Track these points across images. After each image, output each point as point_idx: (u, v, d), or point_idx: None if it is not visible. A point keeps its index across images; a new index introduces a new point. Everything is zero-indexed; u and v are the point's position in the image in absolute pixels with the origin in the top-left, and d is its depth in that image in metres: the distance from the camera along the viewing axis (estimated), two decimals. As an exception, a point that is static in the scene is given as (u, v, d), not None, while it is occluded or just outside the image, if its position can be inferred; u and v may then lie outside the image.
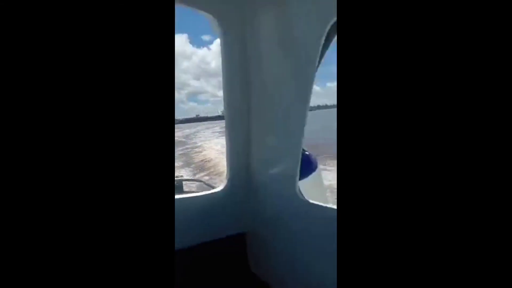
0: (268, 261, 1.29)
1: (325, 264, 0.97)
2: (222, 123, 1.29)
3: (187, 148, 13.40)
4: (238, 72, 1.19)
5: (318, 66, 0.97)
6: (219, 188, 1.30)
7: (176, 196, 1.16)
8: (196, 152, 11.77)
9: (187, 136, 20.76)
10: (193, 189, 3.06)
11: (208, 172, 7.82)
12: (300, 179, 1.42)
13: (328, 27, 0.87)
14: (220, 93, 1.28)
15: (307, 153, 1.49)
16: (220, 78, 1.18)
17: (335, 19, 0.85)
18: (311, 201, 1.06)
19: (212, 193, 1.29)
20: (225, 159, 1.29)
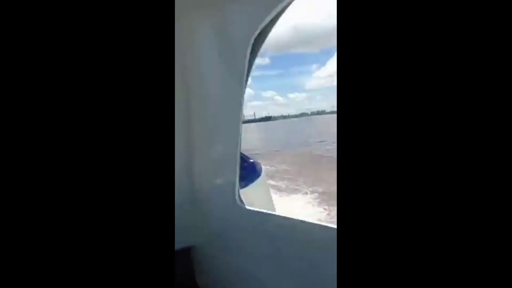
0: (214, 273, 1.26)
1: (268, 270, 0.98)
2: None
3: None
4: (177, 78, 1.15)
5: (248, 75, 0.99)
6: None
7: None
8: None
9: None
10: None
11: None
12: (245, 186, 1.43)
13: (254, 37, 0.89)
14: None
15: (251, 160, 1.51)
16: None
17: (259, 30, 0.88)
18: (250, 208, 1.07)
19: None
20: None
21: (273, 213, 1.03)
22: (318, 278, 0.80)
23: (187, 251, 1.31)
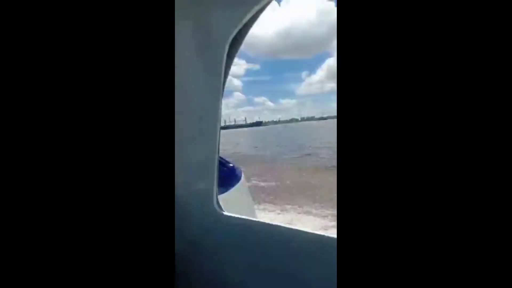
0: (191, 280, 1.23)
1: (248, 278, 0.97)
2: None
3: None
4: None
5: (225, 79, 0.99)
6: None
7: None
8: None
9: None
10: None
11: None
12: (225, 191, 1.42)
13: (229, 40, 0.89)
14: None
15: (231, 165, 1.51)
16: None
17: (234, 33, 0.88)
18: (229, 214, 1.05)
19: None
20: None
21: (252, 219, 1.02)
22: (301, 285, 0.79)
23: None
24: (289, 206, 4.38)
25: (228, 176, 1.47)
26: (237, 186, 1.47)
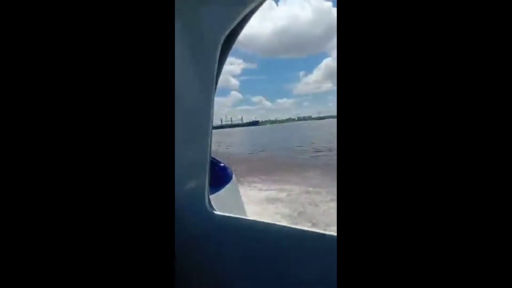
0: (193, 283, 1.23)
1: (242, 276, 0.97)
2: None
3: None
4: None
5: (217, 79, 0.99)
6: None
7: None
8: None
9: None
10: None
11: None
12: (216, 191, 1.43)
13: (222, 41, 0.89)
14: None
15: (222, 164, 1.51)
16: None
17: (227, 32, 0.88)
18: (221, 213, 1.06)
19: None
20: None
21: (244, 217, 1.02)
22: (295, 283, 0.80)
23: None
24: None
25: (219, 176, 1.48)
26: (228, 185, 1.48)
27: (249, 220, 0.98)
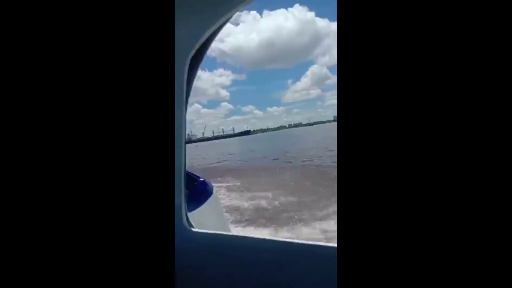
0: None
1: None
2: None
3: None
4: None
5: (188, 94, 0.98)
6: None
7: None
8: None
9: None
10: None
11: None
12: (197, 206, 1.38)
13: (191, 55, 0.88)
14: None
15: (201, 179, 1.48)
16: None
17: (196, 48, 0.87)
18: (200, 230, 1.02)
19: None
20: None
21: (225, 233, 0.99)
22: None
23: None
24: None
25: (199, 191, 1.44)
26: (209, 201, 1.44)
27: (229, 235, 0.95)
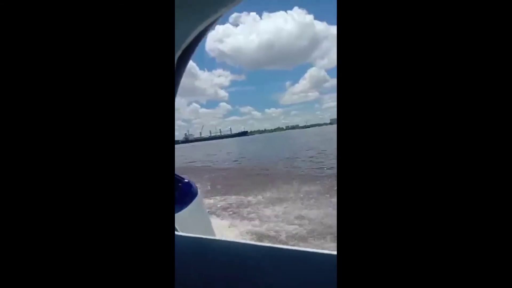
0: None
1: None
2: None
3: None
4: None
5: (176, 90, 0.96)
6: None
7: None
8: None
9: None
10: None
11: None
12: (182, 208, 1.37)
13: (178, 55, 0.88)
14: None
15: (186, 180, 1.46)
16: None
17: (183, 46, 0.87)
18: (184, 234, 1.00)
19: None
20: None
21: (208, 237, 0.98)
22: None
23: None
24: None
25: (183, 193, 1.43)
26: (194, 202, 1.42)
27: (213, 239, 0.93)
